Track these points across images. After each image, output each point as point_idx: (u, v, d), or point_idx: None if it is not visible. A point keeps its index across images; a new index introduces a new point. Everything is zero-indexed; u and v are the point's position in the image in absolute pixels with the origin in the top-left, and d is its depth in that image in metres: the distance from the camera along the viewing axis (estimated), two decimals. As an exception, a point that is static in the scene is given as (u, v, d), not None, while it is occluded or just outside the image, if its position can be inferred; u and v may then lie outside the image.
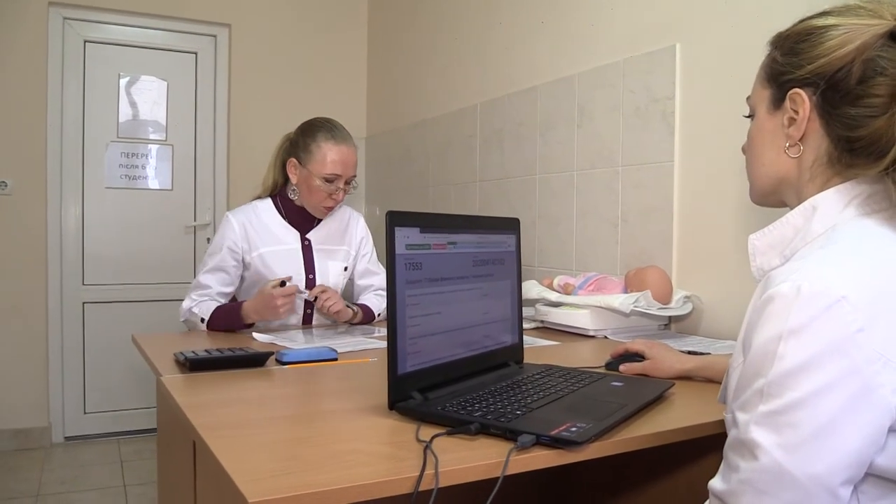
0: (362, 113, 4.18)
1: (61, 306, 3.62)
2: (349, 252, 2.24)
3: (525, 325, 1.95)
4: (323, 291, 2.02)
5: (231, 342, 1.75)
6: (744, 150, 1.01)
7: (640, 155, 2.15)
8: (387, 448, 0.93)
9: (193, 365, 1.35)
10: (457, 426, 0.95)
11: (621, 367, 1.38)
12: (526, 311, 2.25)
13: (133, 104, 3.77)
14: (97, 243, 3.70)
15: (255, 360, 1.42)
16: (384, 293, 2.27)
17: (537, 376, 1.25)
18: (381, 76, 4.09)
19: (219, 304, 2.04)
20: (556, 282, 2.10)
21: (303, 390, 1.28)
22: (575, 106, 2.43)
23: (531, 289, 2.13)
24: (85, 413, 3.68)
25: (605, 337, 1.88)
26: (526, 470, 0.87)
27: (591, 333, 1.89)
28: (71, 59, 3.62)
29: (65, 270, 3.63)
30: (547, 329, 2.01)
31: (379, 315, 2.19)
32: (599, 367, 1.42)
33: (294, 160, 2.09)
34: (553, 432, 0.91)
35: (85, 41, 3.65)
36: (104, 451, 3.53)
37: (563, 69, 2.50)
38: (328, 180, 2.04)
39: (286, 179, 2.14)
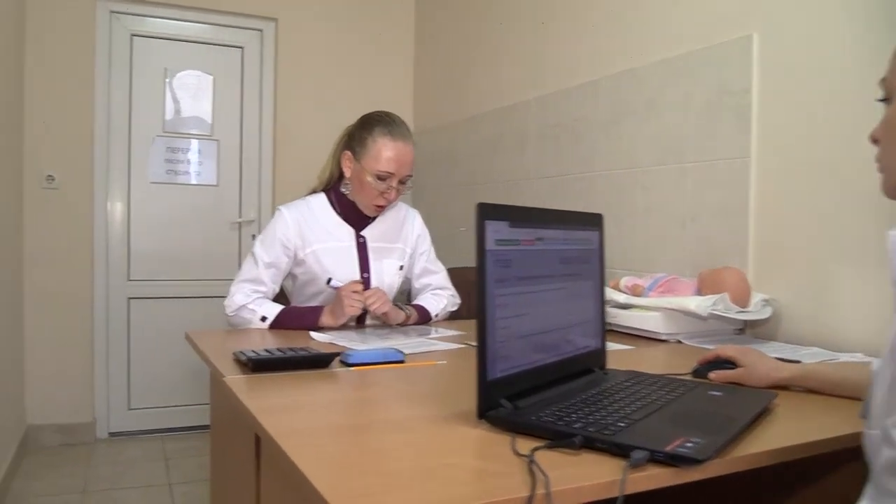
0: (409, 109, 4.11)
1: (107, 302, 3.60)
2: (404, 250, 2.16)
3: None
4: (371, 294, 1.92)
5: (289, 341, 1.69)
6: (874, 138, 0.90)
7: (712, 150, 2.04)
8: (482, 463, 0.84)
9: (256, 365, 1.28)
10: (558, 439, 0.87)
11: (711, 375, 1.28)
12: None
13: (179, 99, 3.74)
14: (142, 239, 3.68)
15: (320, 362, 1.34)
16: (442, 292, 2.21)
17: (627, 384, 1.15)
18: (428, 71, 4.02)
19: (272, 302, 1.98)
20: (622, 283, 2.00)
21: (374, 395, 1.20)
22: (641, 99, 2.32)
23: (595, 290, 2.03)
24: (129, 409, 3.66)
25: (679, 341, 1.78)
26: (643, 490, 0.78)
27: (663, 337, 1.79)
28: (118, 53, 3.60)
29: (110, 266, 3.61)
30: (613, 332, 1.91)
31: (436, 316, 2.11)
32: (684, 373, 1.32)
33: (349, 153, 2.02)
34: (668, 448, 0.82)
35: (132, 35, 3.63)
36: (149, 447, 3.51)
37: (629, 61, 2.39)
38: (381, 178, 1.96)
39: (342, 173, 2.07)
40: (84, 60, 3.50)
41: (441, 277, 2.25)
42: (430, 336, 1.81)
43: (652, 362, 1.54)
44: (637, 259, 2.31)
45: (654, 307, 1.80)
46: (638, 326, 1.83)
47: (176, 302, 3.72)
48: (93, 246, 3.56)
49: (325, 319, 1.91)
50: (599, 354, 1.28)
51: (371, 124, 2.00)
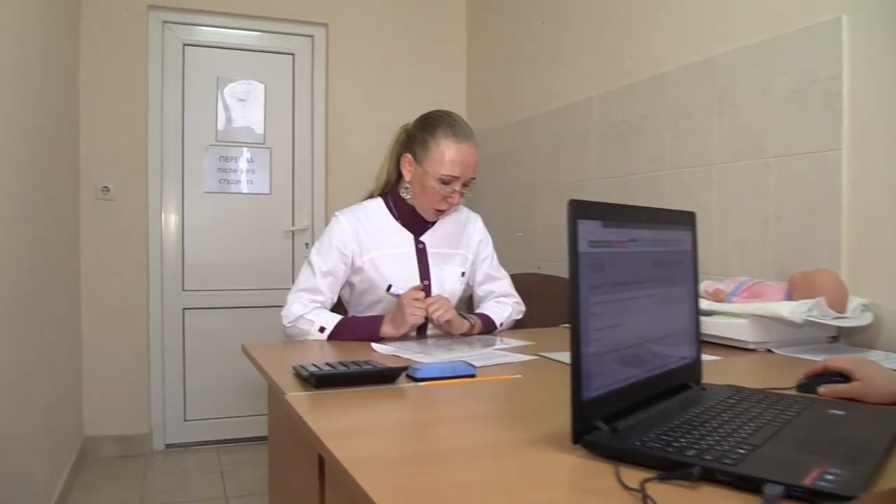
0: (462, 111, 3.99)
1: (162, 312, 3.59)
2: (466, 256, 2.06)
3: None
4: (434, 301, 1.83)
5: (349, 354, 1.60)
6: None
7: (797, 144, 1.89)
8: (588, 497, 0.73)
9: (319, 381, 1.19)
10: (670, 468, 0.75)
11: (821, 390, 1.14)
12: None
13: (231, 107, 3.72)
14: (196, 249, 3.66)
15: (386, 376, 1.25)
16: (506, 300, 2.10)
17: (731, 401, 1.03)
18: (482, 72, 3.92)
19: (330, 312, 1.90)
20: (703, 287, 1.86)
21: (447, 414, 1.10)
22: (714, 92, 2.18)
23: (671, 295, 1.89)
24: (185, 420, 3.63)
25: (769, 350, 1.63)
26: (784, 534, 0.66)
27: (752, 346, 1.65)
28: (170, 62, 3.59)
29: (165, 276, 3.60)
30: (695, 341, 1.77)
31: (501, 325, 2.01)
32: (786, 388, 1.18)
33: (409, 156, 1.92)
34: (806, 482, 0.69)
35: (184, 44, 3.62)
36: (204, 459, 3.47)
37: (699, 52, 2.26)
38: (444, 181, 1.86)
39: (399, 176, 1.98)
40: (137, 71, 3.50)
41: (505, 284, 2.14)
42: (497, 346, 1.70)
43: (746, 375, 1.41)
44: (712, 262, 2.16)
45: (741, 313, 1.66)
46: (723, 334, 1.69)
47: (230, 312, 3.68)
48: (147, 256, 3.55)
49: (386, 329, 1.82)
50: (695, 367, 1.15)
51: (433, 125, 1.90)
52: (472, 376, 1.30)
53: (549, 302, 2.66)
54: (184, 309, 3.63)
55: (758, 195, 2.01)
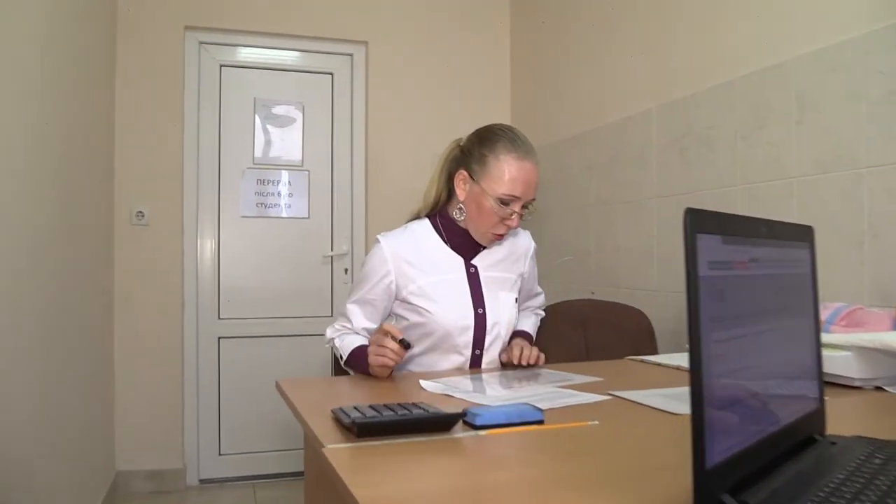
0: (507, 130, 3.85)
1: (197, 341, 3.45)
2: (521, 279, 1.88)
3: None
4: (521, 353, 1.71)
5: (396, 393, 1.42)
6: None
7: (896, 152, 1.68)
8: None
9: (362, 429, 1.01)
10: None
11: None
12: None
13: (268, 129, 3.61)
14: (233, 275, 3.53)
15: (441, 424, 1.06)
16: (540, 311, 2.02)
17: (875, 461, 0.82)
18: (528, 86, 3.74)
19: (360, 340, 1.74)
20: (790, 315, 1.64)
21: (521, 476, 0.90)
22: (792, 98, 1.98)
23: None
24: (220, 454, 3.48)
25: (878, 388, 1.41)
26: None
27: (857, 383, 1.42)
28: (207, 84, 3.50)
29: (200, 304, 3.47)
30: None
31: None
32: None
33: (464, 173, 1.74)
34: None
35: (221, 65, 3.52)
36: (240, 496, 3.31)
37: (772, 56, 2.06)
38: (504, 202, 1.68)
39: (450, 196, 1.81)
40: (173, 94, 3.41)
41: (541, 298, 2.06)
42: (562, 383, 1.50)
43: (865, 420, 1.19)
44: (797, 286, 1.94)
45: (845, 345, 1.44)
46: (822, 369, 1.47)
47: (267, 341, 3.53)
48: (183, 283, 3.43)
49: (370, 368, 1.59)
50: (819, 416, 0.94)
51: (493, 140, 1.72)
52: (541, 422, 1.11)
53: (605, 330, 2.46)
54: (219, 338, 3.49)
55: (849, 211, 1.80)
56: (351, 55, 3.70)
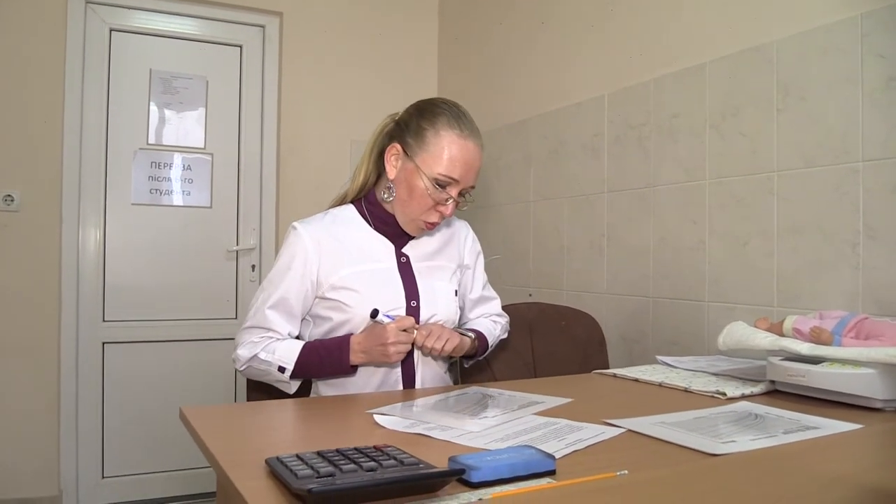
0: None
1: (77, 347, 3.00)
2: (457, 271, 1.66)
3: (746, 390, 1.39)
4: (428, 335, 1.45)
5: (340, 428, 1.11)
6: None
7: (899, 143, 1.50)
8: None
9: (321, 500, 0.70)
10: None
11: None
12: (741, 364, 1.61)
13: (166, 105, 3.19)
14: (120, 271, 3.09)
15: (425, 484, 0.76)
16: (500, 319, 1.75)
17: None
18: (456, 71, 3.47)
19: (296, 342, 1.48)
20: (789, 324, 1.43)
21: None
22: (773, 84, 1.79)
23: (745, 333, 1.47)
24: (103, 477, 3.03)
25: (902, 412, 1.21)
26: None
27: (879, 405, 1.23)
28: (94, 51, 3.05)
29: (82, 304, 3.02)
30: (795, 397, 1.34)
31: (492, 346, 1.69)
32: None
33: (398, 146, 1.50)
34: None
35: (111, 30, 3.09)
36: (126, 526, 2.89)
37: (749, 38, 1.87)
38: (440, 184, 1.46)
39: (379, 176, 1.57)
40: (52, 60, 2.95)
41: (497, 304, 1.80)
42: (531, 409, 1.22)
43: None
44: (773, 291, 1.76)
45: (866, 361, 1.24)
46: (839, 388, 1.26)
47: (160, 347, 3.12)
48: (61, 280, 2.97)
49: (357, 358, 1.45)
50: None
51: (435, 113, 1.49)
52: (552, 473, 0.83)
53: (553, 338, 2.23)
54: (104, 343, 3.06)
55: (841, 208, 1.62)
56: (263, 27, 3.33)
